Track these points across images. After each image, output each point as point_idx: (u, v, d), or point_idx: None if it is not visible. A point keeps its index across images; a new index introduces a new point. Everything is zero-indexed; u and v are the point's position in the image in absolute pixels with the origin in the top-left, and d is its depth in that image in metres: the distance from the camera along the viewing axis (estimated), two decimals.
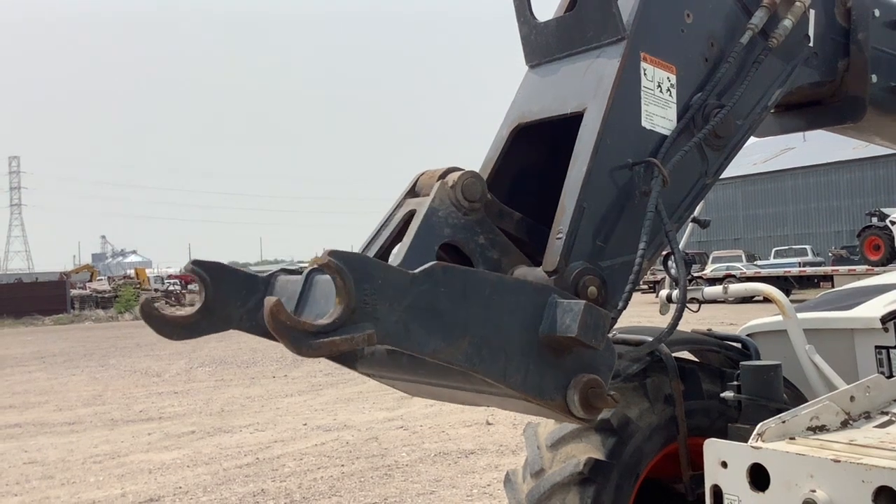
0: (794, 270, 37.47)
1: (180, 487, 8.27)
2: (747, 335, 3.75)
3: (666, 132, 2.52)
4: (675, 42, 2.58)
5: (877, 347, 3.50)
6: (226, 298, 2.34)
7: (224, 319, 2.34)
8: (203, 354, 22.15)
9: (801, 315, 3.75)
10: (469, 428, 10.40)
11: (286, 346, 1.68)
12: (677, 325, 2.43)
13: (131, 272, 72.45)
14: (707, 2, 2.70)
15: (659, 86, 2.52)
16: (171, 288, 66.84)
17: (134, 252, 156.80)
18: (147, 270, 77.42)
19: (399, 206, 2.44)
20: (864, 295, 3.88)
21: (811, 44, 2.98)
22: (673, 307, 4.12)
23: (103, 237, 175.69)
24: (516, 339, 1.94)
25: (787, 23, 2.80)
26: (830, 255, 41.67)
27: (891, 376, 3.15)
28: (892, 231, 32.27)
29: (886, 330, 3.43)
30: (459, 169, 2.37)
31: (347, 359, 2.58)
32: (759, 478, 2.34)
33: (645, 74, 2.48)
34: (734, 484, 2.39)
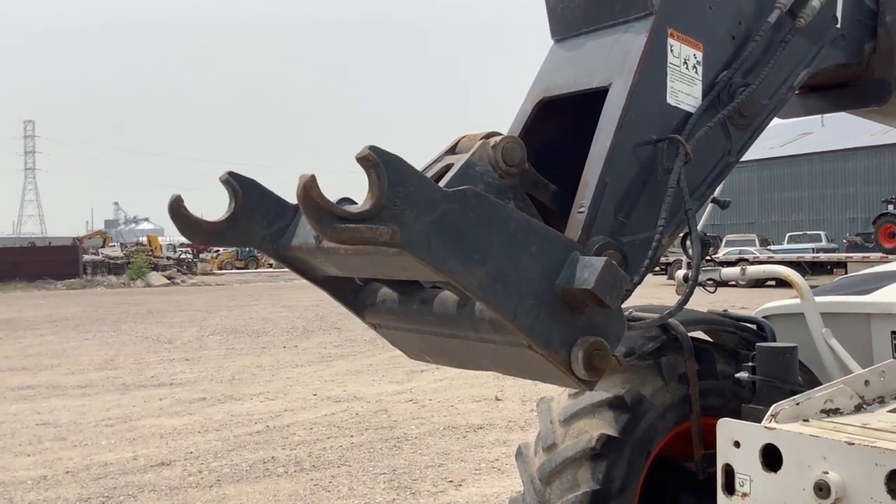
0: (808, 256, 37.32)
1: (191, 452, 8.36)
2: (763, 317, 3.75)
3: (691, 109, 2.51)
4: (702, 19, 2.57)
5: (893, 332, 3.50)
6: (252, 215, 2.38)
7: (247, 235, 2.39)
8: (214, 323, 22.28)
9: (817, 299, 3.74)
10: (478, 403, 10.45)
11: (312, 226, 1.69)
12: (688, 300, 2.42)
13: (143, 239, 72.73)
14: None
15: (685, 62, 2.51)
16: (182, 256, 67.16)
17: (146, 219, 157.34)
18: (159, 238, 77.76)
19: (437, 161, 2.43)
20: (882, 280, 3.87)
21: (838, 25, 2.96)
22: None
23: (116, 204, 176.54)
24: (533, 282, 1.94)
25: (815, 3, 2.78)
26: (845, 241, 41.46)
27: None
28: None
29: None
30: (502, 134, 2.37)
31: (357, 306, 2.59)
32: (771, 458, 2.35)
33: (671, 51, 2.47)
34: (746, 463, 2.41)
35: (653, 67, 2.43)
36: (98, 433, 9.39)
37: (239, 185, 2.36)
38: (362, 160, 1.70)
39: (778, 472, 2.33)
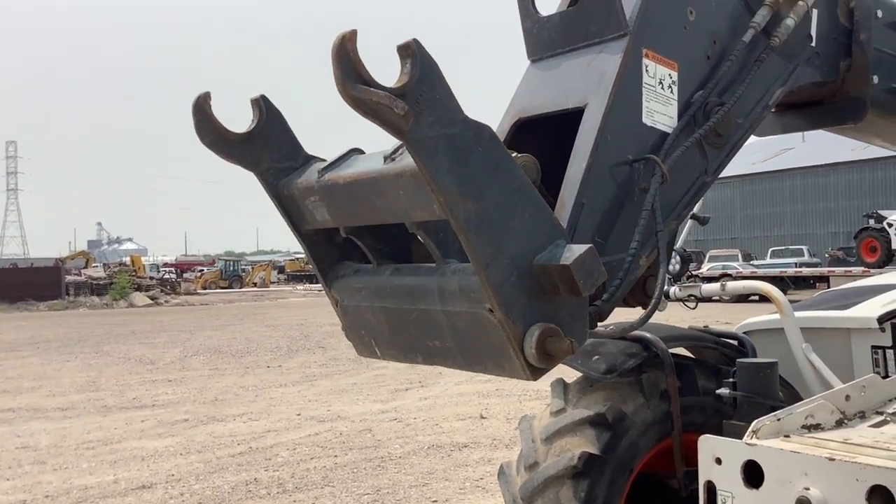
0: (791, 271, 37.55)
1: (173, 475, 8.27)
2: (744, 333, 3.75)
3: (667, 129, 2.52)
4: (677, 39, 2.58)
5: (873, 347, 3.51)
6: (266, 142, 2.44)
7: (254, 158, 2.45)
8: (198, 343, 22.14)
9: (798, 314, 3.75)
10: (462, 421, 10.41)
11: (335, 77, 1.69)
12: (651, 316, 2.39)
13: (127, 259, 72.39)
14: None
15: (660, 82, 2.51)
16: (166, 276, 66.85)
17: (130, 240, 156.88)
18: (143, 258, 77.43)
19: None
20: (862, 295, 3.88)
21: (813, 43, 2.98)
22: (670, 304, 4.12)
23: (99, 224, 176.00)
24: (515, 244, 1.94)
25: (790, 22, 2.79)
26: (827, 255, 41.74)
27: (886, 376, 3.15)
28: (888, 233, 32.36)
29: (883, 330, 3.44)
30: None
31: (329, 276, 2.56)
32: (753, 475, 2.35)
33: (647, 71, 2.48)
34: (728, 480, 2.40)
35: (628, 88, 2.43)
36: (79, 456, 9.29)
37: (266, 109, 2.44)
38: (403, 47, 1.75)
39: (760, 489, 2.33)
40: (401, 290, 2.29)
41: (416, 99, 1.76)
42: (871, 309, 3.61)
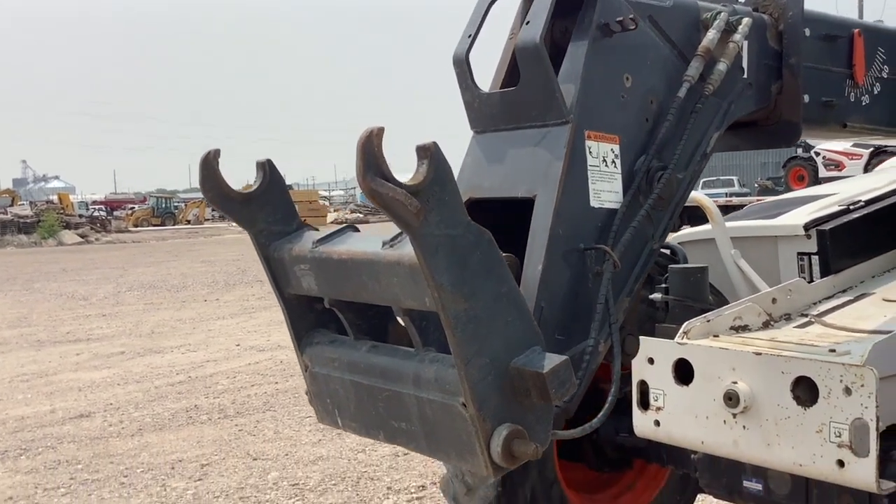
0: (721, 200, 38.17)
1: (111, 404, 8.24)
2: (677, 244, 3.83)
3: (614, 206, 2.52)
4: (616, 111, 2.55)
5: (799, 254, 3.61)
6: (265, 205, 2.49)
7: (251, 218, 2.49)
8: (131, 279, 21.83)
9: (728, 224, 3.84)
10: None
11: (357, 168, 1.78)
12: (611, 409, 2.35)
13: (54, 198, 70.56)
14: (645, 58, 2.64)
15: (604, 160, 2.50)
16: (95, 214, 65.46)
17: (57, 178, 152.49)
18: (71, 196, 75.55)
19: None
20: (789, 205, 3.99)
21: (745, 75, 2.95)
22: None
23: (24, 162, 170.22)
24: (496, 346, 1.98)
25: (722, 66, 2.75)
26: (756, 185, 42.61)
27: (811, 281, 3.26)
28: (816, 161, 33.13)
29: (809, 237, 3.53)
30: None
31: (303, 342, 2.55)
32: (683, 372, 2.43)
33: (590, 153, 2.46)
34: (660, 379, 2.48)
35: (575, 177, 2.42)
36: (13, 388, 9.18)
37: (270, 174, 2.50)
38: (422, 148, 1.83)
39: (690, 385, 2.41)
40: (376, 368, 2.30)
41: (428, 198, 1.83)
42: (797, 217, 3.71)
